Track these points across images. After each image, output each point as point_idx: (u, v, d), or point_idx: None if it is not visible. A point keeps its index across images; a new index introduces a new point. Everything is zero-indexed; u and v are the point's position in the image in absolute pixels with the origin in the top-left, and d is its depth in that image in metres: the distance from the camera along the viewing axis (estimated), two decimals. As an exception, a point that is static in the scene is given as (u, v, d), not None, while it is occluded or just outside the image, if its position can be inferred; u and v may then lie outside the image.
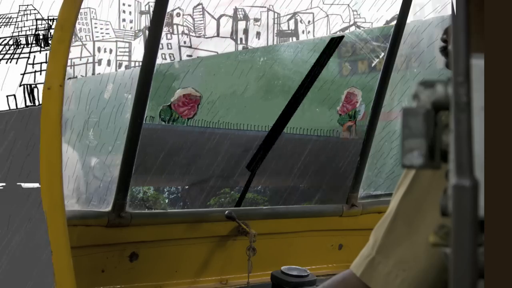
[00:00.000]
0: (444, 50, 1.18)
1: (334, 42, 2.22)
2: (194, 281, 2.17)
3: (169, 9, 2.65)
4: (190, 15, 2.69)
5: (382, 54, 2.55)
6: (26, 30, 2.40)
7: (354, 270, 1.11)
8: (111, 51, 2.52)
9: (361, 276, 1.09)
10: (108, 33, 2.71)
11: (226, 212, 2.14)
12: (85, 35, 2.70)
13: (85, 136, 2.24)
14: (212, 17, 2.72)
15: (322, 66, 2.21)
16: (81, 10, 2.62)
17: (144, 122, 1.96)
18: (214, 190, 2.46)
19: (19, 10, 2.30)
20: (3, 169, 1.73)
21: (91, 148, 2.27)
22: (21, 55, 2.39)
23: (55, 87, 1.41)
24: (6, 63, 2.23)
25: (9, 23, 2.30)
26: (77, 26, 2.55)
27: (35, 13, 2.35)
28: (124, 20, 2.73)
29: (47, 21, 2.35)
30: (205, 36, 2.74)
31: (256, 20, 2.80)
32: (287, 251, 2.36)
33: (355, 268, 1.11)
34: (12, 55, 2.26)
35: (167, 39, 2.76)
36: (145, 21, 2.76)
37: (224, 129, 2.39)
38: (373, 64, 2.67)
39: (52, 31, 1.87)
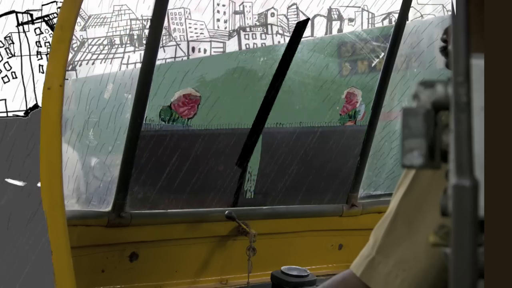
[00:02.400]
0: (444, 50, 1.18)
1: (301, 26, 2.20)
2: (194, 281, 2.17)
3: (263, 9, 2.67)
4: (284, 15, 2.69)
5: (382, 54, 2.55)
6: (120, 30, 2.41)
7: (354, 270, 1.11)
8: (205, 51, 2.50)
9: (361, 276, 1.09)
10: (203, 33, 2.69)
11: (226, 212, 2.14)
12: (180, 35, 2.68)
13: (85, 136, 2.24)
14: (307, 17, 2.71)
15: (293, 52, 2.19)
16: (174, 11, 2.61)
17: (144, 122, 1.97)
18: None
19: (113, 10, 2.31)
20: (3, 169, 1.73)
21: (91, 148, 2.26)
22: (116, 55, 2.40)
23: (55, 87, 1.41)
24: (101, 63, 2.24)
25: (104, 23, 2.30)
26: (171, 26, 2.55)
27: (129, 13, 2.36)
28: (218, 20, 2.72)
29: (141, 21, 2.36)
30: (300, 36, 2.74)
31: (350, 20, 2.79)
32: (287, 251, 2.36)
33: (355, 268, 1.11)
34: (107, 55, 2.27)
35: (261, 39, 2.75)
36: (239, 21, 2.75)
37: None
38: (373, 64, 2.66)
39: (146, 31, 1.87)
